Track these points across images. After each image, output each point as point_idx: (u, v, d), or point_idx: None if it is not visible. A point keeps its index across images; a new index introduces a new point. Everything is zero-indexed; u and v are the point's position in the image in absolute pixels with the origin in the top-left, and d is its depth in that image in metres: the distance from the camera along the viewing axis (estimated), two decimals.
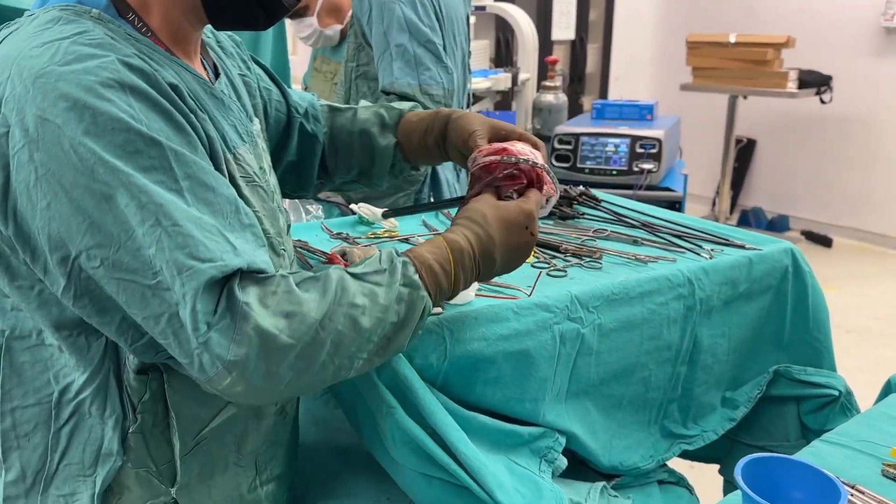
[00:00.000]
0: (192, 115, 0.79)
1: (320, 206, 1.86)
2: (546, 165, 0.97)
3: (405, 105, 1.19)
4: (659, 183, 2.61)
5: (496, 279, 1.15)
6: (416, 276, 0.82)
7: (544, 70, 3.22)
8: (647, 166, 2.56)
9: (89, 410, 0.82)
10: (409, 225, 1.44)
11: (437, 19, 1.64)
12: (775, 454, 0.86)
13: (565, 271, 1.16)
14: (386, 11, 1.59)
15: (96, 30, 0.76)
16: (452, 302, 1.05)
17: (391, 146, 1.16)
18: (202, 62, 0.94)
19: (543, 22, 4.53)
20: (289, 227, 1.02)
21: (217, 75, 0.95)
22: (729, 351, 1.25)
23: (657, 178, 2.59)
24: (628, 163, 2.58)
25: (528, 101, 3.17)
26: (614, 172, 2.60)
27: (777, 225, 4.99)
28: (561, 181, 1.67)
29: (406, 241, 1.39)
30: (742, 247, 1.28)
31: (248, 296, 0.72)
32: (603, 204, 1.57)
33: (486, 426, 0.99)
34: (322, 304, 0.75)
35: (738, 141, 4.99)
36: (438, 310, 1.01)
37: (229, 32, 1.06)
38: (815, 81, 4.34)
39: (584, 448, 1.10)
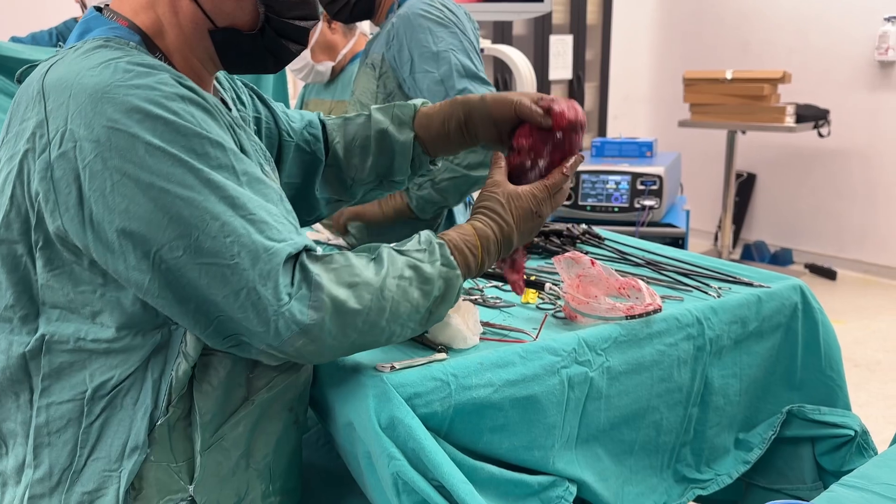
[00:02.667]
0: (230, 128, 0.89)
1: None
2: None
3: (417, 101, 1.21)
4: (661, 219, 2.60)
5: (499, 322, 1.13)
6: (452, 257, 0.92)
7: None
8: (648, 203, 2.55)
9: (122, 403, 0.86)
10: None
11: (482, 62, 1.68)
12: (794, 502, 0.83)
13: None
14: (441, 60, 1.60)
15: (144, 56, 0.84)
16: (456, 346, 1.03)
17: (410, 140, 1.17)
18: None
19: (541, 62, 4.57)
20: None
21: (228, 108, 1.01)
22: (741, 391, 1.22)
23: (659, 214, 2.58)
24: (630, 200, 2.58)
25: None
26: (616, 209, 2.59)
27: (781, 258, 4.96)
28: (562, 220, 1.66)
29: None
30: (750, 284, 1.26)
31: (317, 269, 0.82)
32: (606, 242, 1.56)
33: (493, 477, 0.95)
34: (379, 276, 0.86)
35: (739, 175, 5.00)
36: (443, 355, 0.98)
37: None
38: (812, 115, 4.36)
39: (595, 496, 1.07)
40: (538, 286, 1.22)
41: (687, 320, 1.12)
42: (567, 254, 1.15)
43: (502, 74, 4.12)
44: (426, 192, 1.60)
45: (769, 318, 1.22)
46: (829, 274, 4.77)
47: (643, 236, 2.56)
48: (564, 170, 1.03)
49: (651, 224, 2.57)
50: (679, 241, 2.65)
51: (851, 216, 4.81)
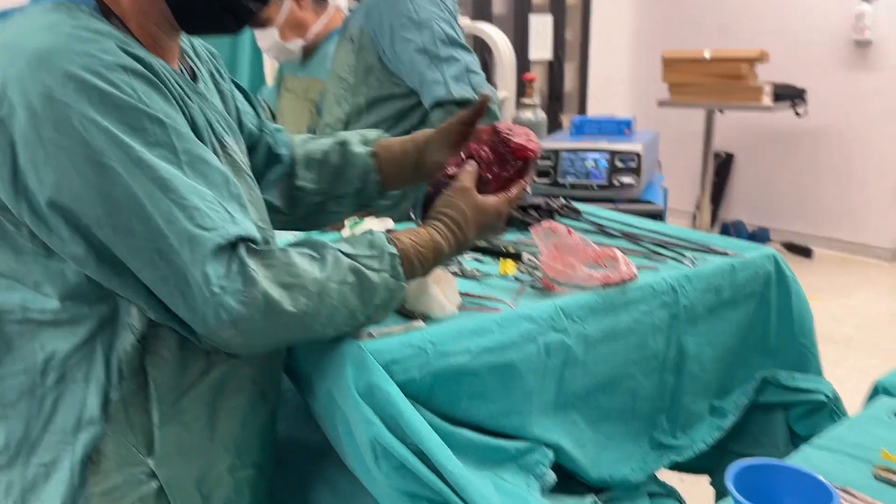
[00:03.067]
0: (180, 101, 0.85)
1: None
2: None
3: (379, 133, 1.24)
4: (640, 196, 2.62)
5: (478, 293, 1.14)
6: (401, 269, 0.92)
7: (522, 88, 3.23)
8: (626, 180, 2.57)
9: (74, 376, 0.84)
10: None
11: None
12: (766, 459, 0.85)
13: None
14: (423, 28, 1.61)
15: (92, 21, 0.81)
16: (435, 315, 1.04)
17: (367, 153, 1.19)
18: (180, 66, 0.96)
19: (521, 42, 4.56)
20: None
21: (195, 78, 0.98)
22: (715, 358, 1.24)
23: (637, 191, 2.59)
24: (608, 177, 2.59)
25: (508, 119, 3.18)
26: (595, 187, 2.60)
27: (758, 237, 5.02)
28: (542, 196, 1.68)
29: None
30: (724, 254, 1.28)
31: (254, 263, 0.80)
32: (584, 215, 1.57)
33: (471, 442, 0.96)
34: (320, 279, 0.84)
35: (717, 155, 5.03)
36: (420, 323, 0.99)
37: (206, 43, 1.10)
38: (789, 95, 4.40)
39: (572, 462, 1.08)
40: (516, 257, 1.23)
41: (662, 288, 1.14)
42: (545, 224, 1.16)
43: (482, 54, 4.10)
44: None
45: (743, 287, 1.24)
46: (806, 252, 4.83)
47: (622, 213, 2.58)
48: (524, 184, 1.07)
49: (630, 201, 2.58)
50: (657, 218, 2.67)
51: (828, 195, 4.87)
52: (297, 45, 2.11)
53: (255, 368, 0.97)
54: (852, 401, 1.33)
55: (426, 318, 1.03)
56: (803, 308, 1.27)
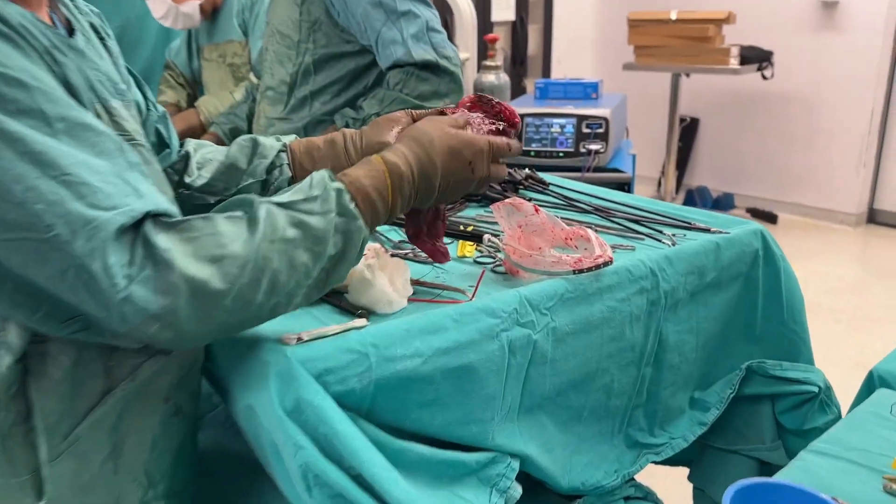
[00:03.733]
0: (48, 56, 0.70)
1: None
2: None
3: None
4: (607, 164, 2.48)
5: (429, 280, 0.99)
6: (353, 206, 0.76)
7: (484, 50, 3.06)
8: (594, 147, 2.43)
9: None
10: None
11: None
12: (766, 480, 0.72)
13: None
14: None
15: None
16: (380, 310, 0.89)
17: (276, 144, 0.98)
18: (51, 17, 0.78)
19: (482, 2, 4.36)
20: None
21: (71, 33, 0.80)
22: (697, 347, 1.12)
23: (605, 158, 2.46)
24: (575, 144, 2.45)
25: (469, 82, 3.01)
26: (561, 154, 2.46)
27: (722, 203, 4.95)
28: (507, 166, 1.52)
29: None
30: (707, 230, 1.15)
31: (168, 241, 0.64)
32: (551, 188, 1.42)
33: (423, 458, 0.82)
34: (251, 243, 0.69)
35: (682, 120, 4.93)
36: (362, 321, 0.84)
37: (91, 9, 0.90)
38: (756, 57, 4.29)
39: (540, 470, 0.95)
40: (476, 238, 1.08)
41: (640, 272, 1.00)
42: (507, 200, 1.01)
43: (442, 14, 3.90)
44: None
45: (728, 268, 1.11)
46: (771, 218, 4.78)
47: (588, 182, 2.44)
48: (510, 142, 0.91)
49: (597, 169, 2.45)
50: (625, 187, 2.55)
51: (793, 160, 4.80)
52: (192, 6, 1.91)
53: (169, 381, 0.81)
54: (820, 367, 1.22)
55: (370, 313, 0.88)
56: (793, 290, 1.15)
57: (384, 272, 0.89)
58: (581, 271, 0.94)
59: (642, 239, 1.14)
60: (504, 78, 2.99)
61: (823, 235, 4.56)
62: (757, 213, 4.82)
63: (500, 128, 0.94)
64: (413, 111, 0.97)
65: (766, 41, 4.39)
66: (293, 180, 0.95)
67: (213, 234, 0.67)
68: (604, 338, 0.98)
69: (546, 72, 5.02)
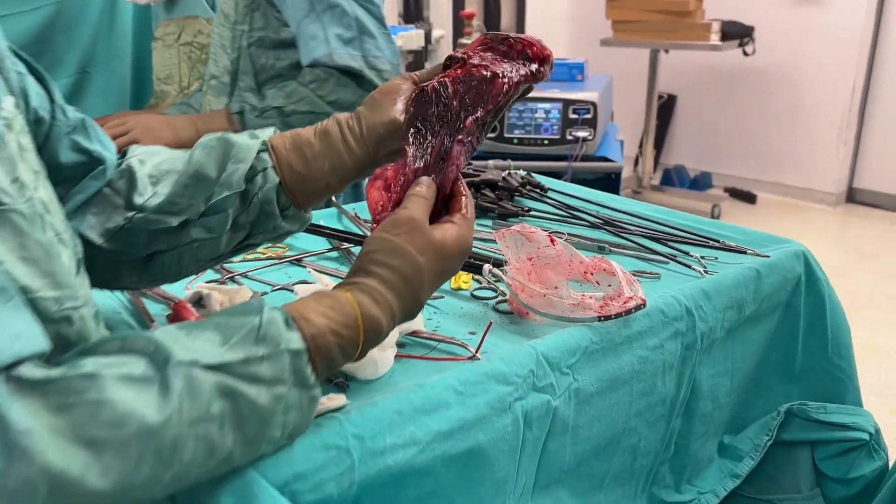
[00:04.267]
0: None
1: None
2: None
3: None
4: (595, 152, 2.31)
5: (422, 324, 0.81)
6: (313, 377, 0.56)
7: (459, 26, 2.85)
8: (581, 134, 2.25)
9: None
10: (309, 238, 1.07)
11: None
12: None
13: (526, 311, 0.83)
14: None
15: None
16: (363, 376, 0.71)
17: (255, 146, 0.72)
18: None
19: None
20: (80, 263, 0.62)
21: None
22: (731, 390, 0.96)
23: (593, 146, 2.29)
24: (561, 130, 2.27)
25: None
26: (546, 142, 2.28)
27: (700, 183, 4.83)
28: (486, 156, 1.33)
29: (298, 261, 1.02)
30: (742, 251, 0.98)
31: (27, 415, 0.42)
32: (550, 194, 1.24)
33: None
34: (158, 423, 0.46)
35: (659, 97, 4.78)
36: (341, 399, 0.65)
37: None
38: (737, 33, 4.14)
39: None
40: (473, 268, 0.90)
41: (674, 312, 0.83)
42: (515, 228, 0.83)
43: None
44: (269, 123, 1.18)
45: (769, 298, 0.95)
46: (749, 198, 4.67)
47: (576, 172, 2.27)
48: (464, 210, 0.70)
49: (584, 158, 2.28)
50: (613, 177, 2.38)
51: (772, 138, 4.69)
52: None
53: None
54: None
55: (349, 380, 0.70)
56: (839, 320, 0.99)
57: None
58: (608, 318, 0.77)
59: (666, 262, 0.98)
60: None
61: (803, 215, 4.47)
62: (735, 193, 4.71)
63: (534, 70, 0.72)
64: (415, 74, 0.75)
65: (747, 16, 4.25)
66: (283, 188, 0.71)
67: (97, 402, 0.45)
68: (633, 394, 0.81)
69: None
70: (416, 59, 2.74)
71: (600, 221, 1.11)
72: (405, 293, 0.62)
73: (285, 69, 1.25)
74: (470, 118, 0.70)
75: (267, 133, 0.73)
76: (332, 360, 0.58)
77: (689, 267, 0.95)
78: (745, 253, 0.98)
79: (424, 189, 0.68)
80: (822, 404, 0.99)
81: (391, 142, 0.71)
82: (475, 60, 0.71)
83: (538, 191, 1.25)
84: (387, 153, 0.72)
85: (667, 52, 4.23)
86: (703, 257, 0.97)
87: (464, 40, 2.77)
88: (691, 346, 0.85)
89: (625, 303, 0.77)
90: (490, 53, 0.73)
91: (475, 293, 0.91)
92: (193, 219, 0.69)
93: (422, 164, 0.69)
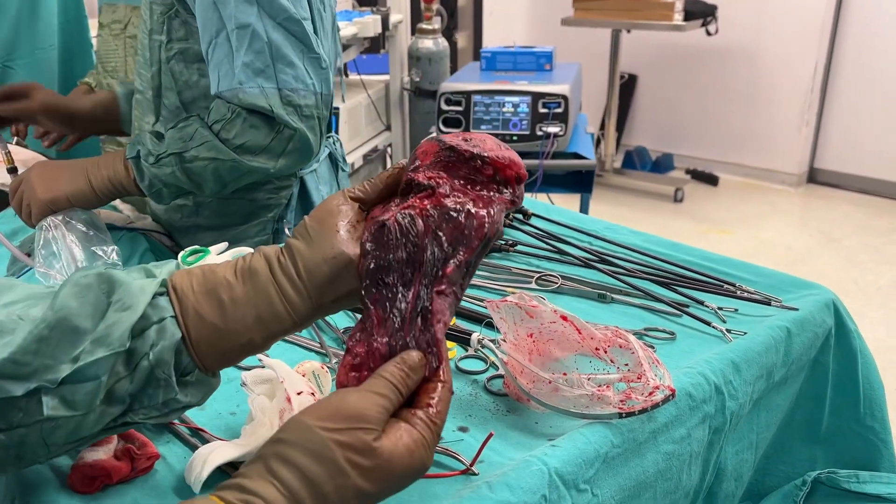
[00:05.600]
0: None
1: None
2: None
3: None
4: (566, 148, 2.17)
5: None
6: None
7: (417, 10, 2.67)
8: (552, 129, 2.11)
9: None
10: None
11: None
12: None
13: (527, 398, 0.68)
14: None
15: None
16: None
17: (151, 285, 0.52)
18: None
19: None
20: None
21: None
22: (755, 463, 0.84)
23: (564, 142, 2.15)
24: (531, 126, 2.12)
25: (403, 48, 2.62)
26: (514, 138, 2.14)
27: (662, 165, 4.76)
28: None
29: None
30: (766, 303, 0.85)
31: None
32: (535, 221, 1.10)
33: None
34: None
35: (620, 77, 4.67)
36: None
37: None
38: (700, 12, 4.04)
39: None
40: (458, 339, 0.75)
41: (703, 394, 0.70)
42: (512, 299, 0.68)
43: None
44: (168, 171, 0.98)
45: (798, 359, 0.82)
46: (711, 180, 4.62)
47: (547, 171, 2.13)
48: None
49: (556, 155, 2.14)
50: (586, 176, 2.26)
51: (734, 118, 4.63)
52: None
53: None
54: None
55: None
56: (872, 376, 0.88)
57: None
58: (631, 414, 0.63)
59: (679, 315, 0.84)
60: (443, 44, 2.62)
61: (764, 196, 4.43)
62: (697, 175, 4.65)
63: (510, 197, 0.56)
64: (353, 190, 0.57)
65: None
66: (186, 346, 0.51)
67: None
68: (657, 495, 0.68)
69: (478, 25, 4.63)
70: (373, 45, 2.56)
71: (594, 258, 0.97)
72: None
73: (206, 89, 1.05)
74: (451, 263, 0.53)
75: (167, 269, 0.53)
76: None
77: (706, 323, 0.82)
78: (768, 304, 0.85)
79: (400, 374, 0.50)
80: (854, 472, 0.87)
81: (340, 284, 0.53)
82: (444, 189, 0.54)
83: (520, 216, 1.10)
84: (334, 298, 0.53)
85: (629, 31, 4.11)
86: (720, 308, 0.84)
87: (424, 25, 2.59)
88: (719, 429, 0.72)
89: (650, 394, 0.63)
90: (448, 175, 0.55)
91: (460, 364, 0.77)
92: (49, 388, 0.47)
93: (397, 328, 0.52)
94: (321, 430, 0.45)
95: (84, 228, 1.01)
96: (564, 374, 0.66)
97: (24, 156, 1.42)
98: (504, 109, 2.12)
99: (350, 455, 0.45)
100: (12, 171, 1.16)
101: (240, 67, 0.93)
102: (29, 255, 1.03)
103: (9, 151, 1.16)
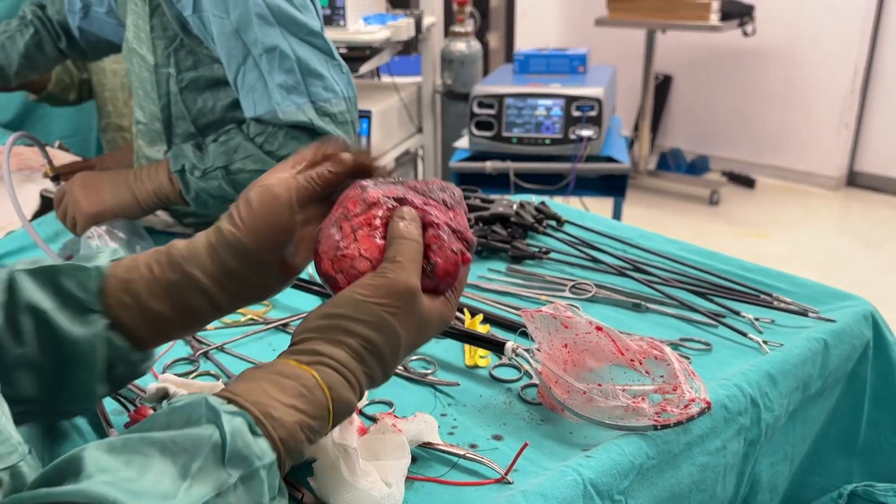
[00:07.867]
0: None
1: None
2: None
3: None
4: (600, 152, 2.17)
5: (444, 442, 0.67)
6: (283, 484, 0.48)
7: (450, 13, 2.68)
8: (586, 133, 2.10)
9: None
10: (296, 295, 0.92)
11: None
12: None
13: (561, 408, 0.69)
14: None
15: None
16: None
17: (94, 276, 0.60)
18: None
19: None
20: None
21: None
22: (790, 475, 0.83)
23: (598, 146, 2.14)
24: (563, 129, 2.12)
25: (436, 50, 2.63)
26: (548, 141, 2.13)
27: (697, 167, 4.70)
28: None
29: (285, 326, 0.88)
30: (803, 314, 0.85)
31: None
32: (568, 227, 1.10)
33: None
34: None
35: (655, 77, 4.62)
36: None
37: None
38: (737, 12, 3.98)
39: None
40: (490, 344, 0.76)
41: (738, 406, 0.70)
42: (547, 309, 0.69)
43: None
44: (215, 184, 1.01)
45: (835, 372, 0.82)
46: (748, 182, 4.55)
47: (580, 175, 2.13)
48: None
49: (589, 158, 2.13)
50: (620, 181, 2.25)
51: (771, 120, 4.56)
52: None
53: None
54: None
55: None
56: None
57: (378, 461, 0.57)
58: (666, 426, 0.63)
59: (714, 325, 0.84)
60: (475, 46, 2.62)
61: (802, 200, 4.35)
62: (734, 178, 4.59)
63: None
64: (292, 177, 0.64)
65: None
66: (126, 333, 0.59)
67: None
68: None
69: (510, 26, 4.62)
70: (406, 49, 2.58)
71: (629, 266, 0.97)
72: (376, 370, 0.54)
73: (226, 109, 1.07)
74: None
75: (104, 256, 0.62)
76: (299, 457, 0.51)
77: (742, 334, 0.81)
78: (805, 315, 0.84)
79: (414, 229, 0.57)
80: (892, 486, 0.86)
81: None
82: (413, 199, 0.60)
83: (554, 222, 1.10)
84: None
85: (664, 32, 4.07)
86: (757, 319, 0.84)
87: (457, 28, 2.60)
88: (754, 441, 0.72)
89: (686, 406, 0.64)
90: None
91: (494, 373, 0.77)
92: None
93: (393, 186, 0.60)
94: (381, 308, 0.53)
95: (125, 237, 1.04)
96: (599, 384, 0.66)
97: (65, 159, 1.44)
98: (537, 113, 2.12)
99: (405, 319, 0.54)
100: (55, 178, 1.19)
101: (275, 89, 0.95)
102: (70, 258, 1.06)
103: (50, 160, 1.19)
